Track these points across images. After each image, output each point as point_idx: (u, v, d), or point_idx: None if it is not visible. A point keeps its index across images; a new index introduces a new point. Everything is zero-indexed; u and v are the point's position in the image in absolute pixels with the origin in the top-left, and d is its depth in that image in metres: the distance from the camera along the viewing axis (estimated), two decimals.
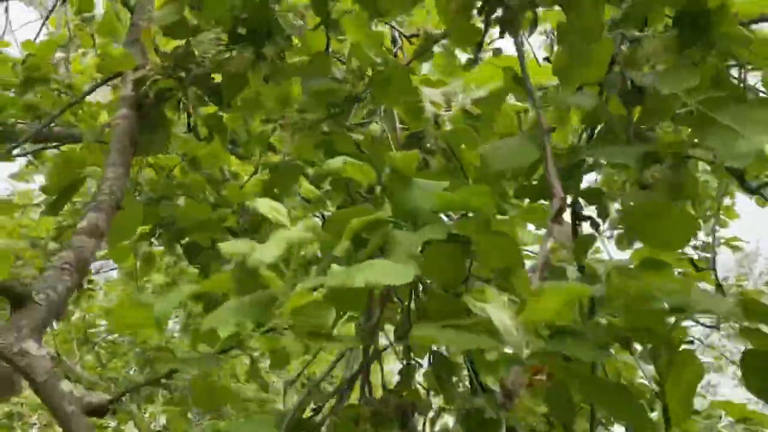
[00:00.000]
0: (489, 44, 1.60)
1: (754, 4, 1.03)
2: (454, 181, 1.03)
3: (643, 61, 1.03)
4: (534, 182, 0.96)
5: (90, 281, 4.11)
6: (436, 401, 1.48)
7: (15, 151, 2.26)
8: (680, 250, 1.65)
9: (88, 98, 2.14)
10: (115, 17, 2.37)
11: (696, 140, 0.97)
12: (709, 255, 1.65)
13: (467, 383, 1.60)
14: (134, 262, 4.01)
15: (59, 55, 2.91)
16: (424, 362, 1.54)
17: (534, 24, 1.03)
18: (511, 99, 1.54)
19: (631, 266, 1.39)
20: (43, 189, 1.46)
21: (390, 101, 1.14)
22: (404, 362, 1.48)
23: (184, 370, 0.80)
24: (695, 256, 1.91)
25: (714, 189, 2.10)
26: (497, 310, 0.56)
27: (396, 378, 1.45)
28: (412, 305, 1.29)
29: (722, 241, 2.72)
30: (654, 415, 1.02)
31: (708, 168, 1.91)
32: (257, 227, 1.83)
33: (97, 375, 4.30)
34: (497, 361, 1.38)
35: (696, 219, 0.86)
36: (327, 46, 1.24)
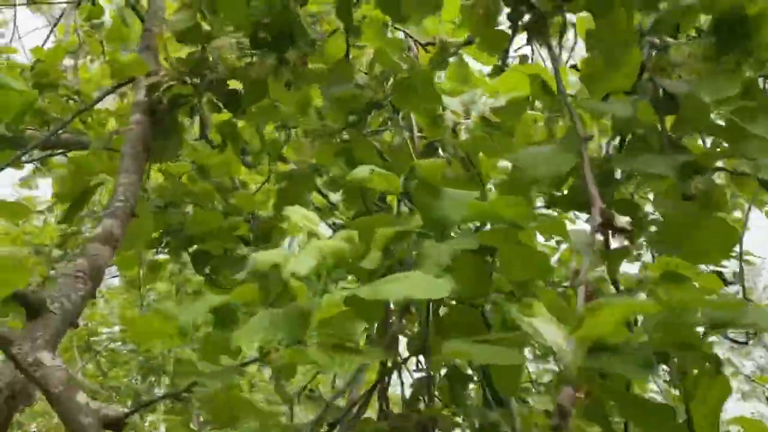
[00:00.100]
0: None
1: None
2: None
3: (675, 69, 1.01)
4: (562, 192, 0.94)
5: None
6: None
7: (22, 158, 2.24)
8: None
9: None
10: (124, 24, 2.35)
11: (729, 150, 0.95)
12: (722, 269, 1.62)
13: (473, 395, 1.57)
14: (137, 270, 3.99)
15: (68, 61, 2.90)
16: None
17: (563, 30, 1.01)
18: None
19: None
20: (57, 196, 1.43)
21: (412, 108, 1.11)
22: (418, 374, 1.45)
23: (205, 383, 0.78)
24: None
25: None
26: (548, 325, 0.53)
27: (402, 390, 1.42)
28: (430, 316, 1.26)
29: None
30: None
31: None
32: (268, 236, 1.81)
33: (98, 384, 4.26)
34: (517, 374, 1.35)
35: (736, 230, 0.84)
36: (347, 53, 1.21)
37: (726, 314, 0.73)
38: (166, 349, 4.42)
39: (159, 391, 4.67)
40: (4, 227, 3.81)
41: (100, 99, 1.68)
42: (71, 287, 1.03)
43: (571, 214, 1.16)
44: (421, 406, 1.38)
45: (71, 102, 2.39)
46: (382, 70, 1.17)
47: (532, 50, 1.05)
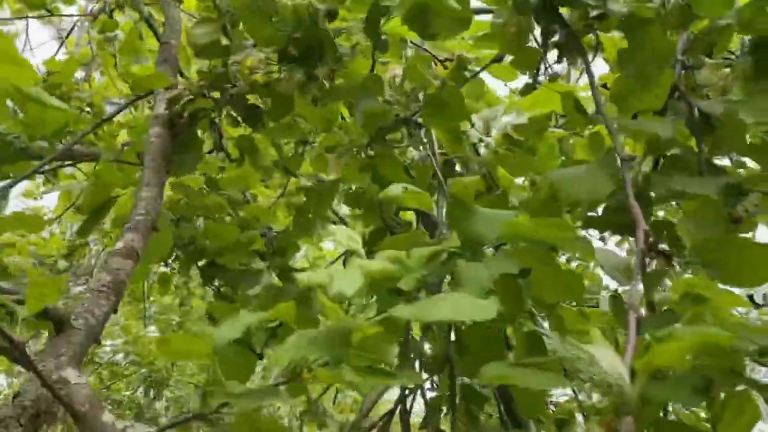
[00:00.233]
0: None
1: None
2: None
3: (704, 89, 1.00)
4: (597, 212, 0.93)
5: None
6: None
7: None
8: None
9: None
10: (139, 37, 2.35)
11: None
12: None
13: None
14: (141, 283, 3.96)
15: (78, 73, 2.90)
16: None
17: (595, 49, 1.00)
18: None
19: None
20: (78, 209, 1.42)
21: (441, 124, 1.11)
22: (431, 396, 1.43)
23: (237, 403, 0.76)
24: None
25: None
26: (606, 352, 0.52)
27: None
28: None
29: None
30: None
31: None
32: (284, 251, 1.79)
33: (102, 397, 4.23)
34: (542, 397, 1.33)
35: None
36: (372, 68, 1.21)
37: None
38: (170, 363, 4.40)
39: (161, 404, 4.64)
40: (8, 238, 3.79)
41: (119, 111, 1.68)
42: (95, 303, 1.01)
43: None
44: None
45: (85, 114, 2.39)
46: (411, 86, 1.16)
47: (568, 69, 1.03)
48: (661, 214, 1.56)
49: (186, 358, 0.81)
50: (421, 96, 1.15)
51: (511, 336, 1.37)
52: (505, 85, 2.27)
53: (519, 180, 1.62)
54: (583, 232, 1.01)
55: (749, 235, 0.98)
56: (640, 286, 0.65)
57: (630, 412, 0.51)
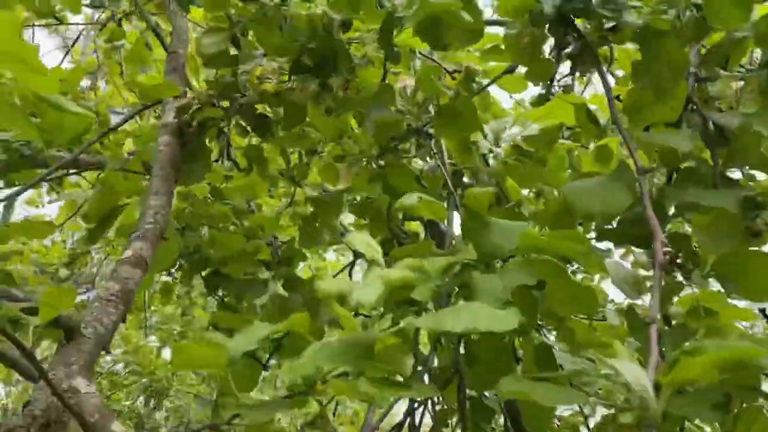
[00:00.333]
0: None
1: None
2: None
3: (716, 101, 1.00)
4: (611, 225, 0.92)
5: None
6: None
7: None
8: None
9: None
10: (147, 47, 2.36)
11: None
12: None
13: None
14: (142, 292, 3.94)
15: (83, 82, 2.90)
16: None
17: (609, 61, 1.00)
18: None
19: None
20: (85, 217, 1.42)
21: (454, 134, 1.10)
22: (439, 408, 1.42)
23: (249, 415, 0.75)
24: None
25: None
26: (631, 366, 0.51)
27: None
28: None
29: None
30: None
31: None
32: (289, 260, 1.79)
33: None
34: (551, 412, 1.32)
35: None
36: (383, 78, 1.21)
37: None
38: (170, 373, 4.38)
39: (161, 414, 4.61)
40: (13, 246, 3.78)
41: (126, 120, 1.67)
42: (104, 311, 1.00)
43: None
44: None
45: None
46: (423, 96, 1.16)
47: (587, 80, 1.03)
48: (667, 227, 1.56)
49: (201, 367, 0.80)
50: (432, 107, 1.15)
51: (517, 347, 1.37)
52: (511, 97, 2.28)
53: (524, 191, 1.62)
54: (595, 245, 1.00)
55: (764, 248, 0.98)
56: (654, 302, 0.65)
57: (654, 426, 0.50)
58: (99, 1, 2.14)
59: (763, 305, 1.14)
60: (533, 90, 1.71)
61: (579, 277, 2.53)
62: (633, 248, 2.52)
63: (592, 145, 1.79)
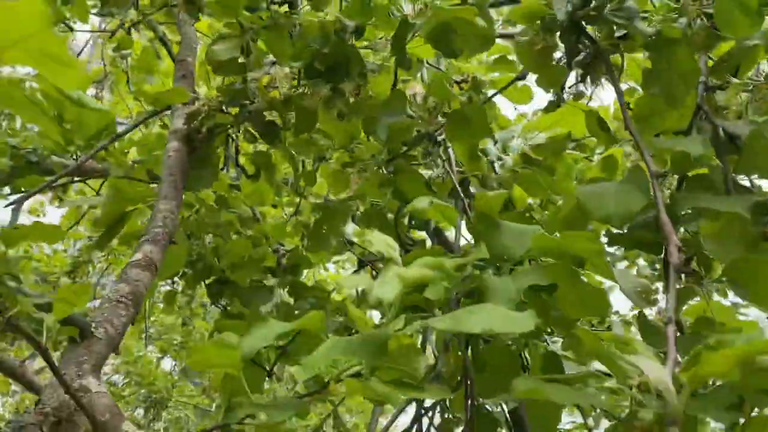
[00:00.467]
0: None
1: None
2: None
3: (732, 110, 1.01)
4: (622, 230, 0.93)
5: None
6: None
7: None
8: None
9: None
10: (156, 55, 2.37)
11: None
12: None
13: None
14: (144, 302, 3.90)
15: (90, 91, 2.91)
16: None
17: (620, 69, 1.01)
18: None
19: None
20: (95, 223, 1.42)
21: (465, 140, 1.11)
22: (444, 417, 1.41)
23: (265, 415, 0.75)
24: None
25: None
26: (651, 363, 0.51)
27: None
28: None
29: None
30: None
31: None
32: (296, 267, 1.79)
33: None
34: (557, 418, 1.32)
35: None
36: (394, 84, 1.22)
37: None
38: (170, 384, 4.36)
39: (160, 425, 4.59)
40: (16, 252, 3.78)
41: (134, 127, 1.68)
42: (114, 312, 1.00)
43: None
44: None
45: None
46: (434, 102, 1.17)
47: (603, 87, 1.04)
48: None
49: (216, 366, 0.80)
50: (441, 115, 1.16)
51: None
52: (515, 108, 2.29)
53: (530, 201, 1.63)
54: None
55: None
56: (670, 303, 0.65)
57: (675, 423, 0.50)
58: (108, 10, 2.15)
59: None
60: (537, 102, 1.72)
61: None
62: (636, 262, 2.52)
63: (596, 157, 1.80)
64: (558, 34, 1.00)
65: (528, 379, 0.74)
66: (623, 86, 1.43)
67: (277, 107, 1.36)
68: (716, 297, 1.58)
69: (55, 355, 0.86)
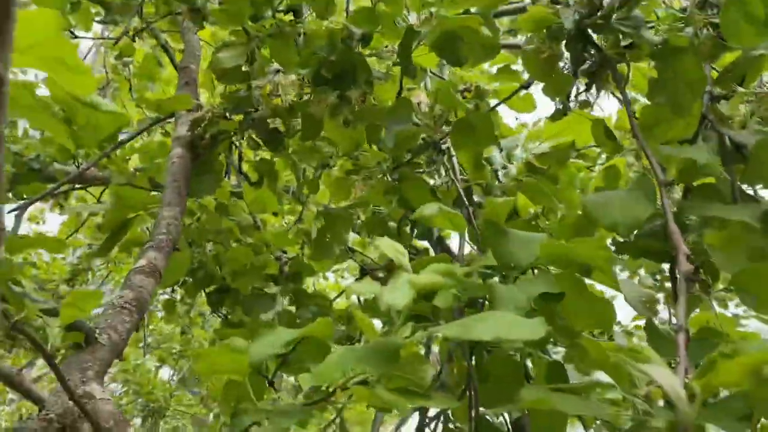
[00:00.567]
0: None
1: None
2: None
3: (736, 120, 1.01)
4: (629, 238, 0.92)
5: None
6: None
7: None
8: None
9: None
10: (158, 63, 2.38)
11: None
12: None
13: None
14: None
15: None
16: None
17: (627, 77, 1.01)
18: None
19: None
20: (100, 228, 1.41)
21: (470, 148, 1.11)
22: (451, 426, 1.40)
23: (273, 421, 0.74)
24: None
25: None
26: (663, 371, 0.51)
27: None
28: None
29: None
30: None
31: None
32: (297, 276, 1.78)
33: None
34: (562, 428, 1.31)
35: None
36: (399, 92, 1.22)
37: None
38: (168, 393, 4.34)
39: None
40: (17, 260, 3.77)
41: (137, 134, 1.68)
42: (118, 318, 1.00)
43: None
44: None
45: None
46: (440, 110, 1.17)
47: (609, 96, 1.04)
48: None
49: (223, 372, 0.80)
50: (447, 123, 1.16)
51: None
52: (516, 119, 2.29)
53: (532, 210, 1.63)
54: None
55: None
56: (680, 311, 0.65)
57: (689, 430, 0.50)
58: (111, 18, 2.16)
59: None
60: (540, 111, 1.73)
61: None
62: (638, 272, 2.51)
63: (597, 168, 1.80)
64: (564, 42, 1.00)
65: (534, 388, 0.73)
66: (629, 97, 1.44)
67: (281, 115, 1.36)
68: (717, 308, 1.58)
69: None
